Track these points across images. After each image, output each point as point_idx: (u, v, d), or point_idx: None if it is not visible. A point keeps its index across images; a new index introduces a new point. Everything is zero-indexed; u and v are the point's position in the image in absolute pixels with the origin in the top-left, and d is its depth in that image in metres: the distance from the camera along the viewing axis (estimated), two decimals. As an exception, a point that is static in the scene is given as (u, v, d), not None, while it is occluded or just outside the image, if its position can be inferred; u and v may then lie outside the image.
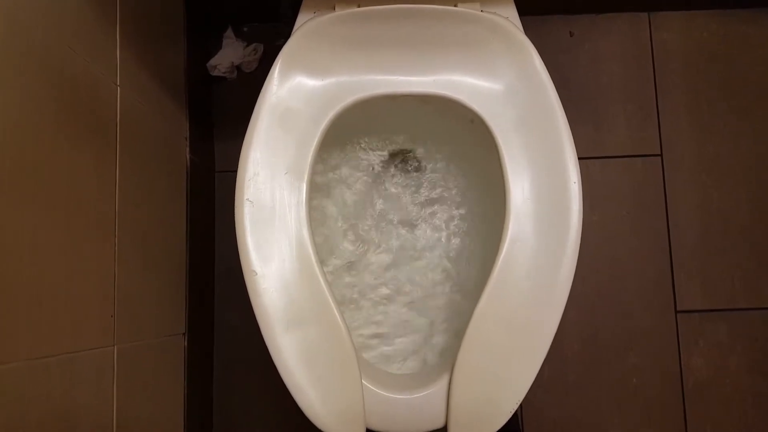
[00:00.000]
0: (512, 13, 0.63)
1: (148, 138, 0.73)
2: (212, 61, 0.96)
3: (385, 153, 0.78)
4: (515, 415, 0.58)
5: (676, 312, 0.96)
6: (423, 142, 0.77)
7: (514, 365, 0.57)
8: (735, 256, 0.96)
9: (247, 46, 0.97)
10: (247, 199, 0.58)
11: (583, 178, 0.59)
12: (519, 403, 0.57)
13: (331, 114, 0.60)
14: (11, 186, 0.47)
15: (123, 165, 0.65)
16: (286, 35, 0.64)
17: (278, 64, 0.61)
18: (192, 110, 0.87)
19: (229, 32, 0.97)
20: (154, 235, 0.73)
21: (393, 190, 0.79)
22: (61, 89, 0.55)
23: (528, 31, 0.63)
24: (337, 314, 0.57)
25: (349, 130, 0.69)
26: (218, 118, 0.99)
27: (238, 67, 0.98)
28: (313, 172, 0.60)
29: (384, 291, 0.75)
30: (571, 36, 1.01)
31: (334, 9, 0.63)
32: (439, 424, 0.57)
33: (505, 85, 0.60)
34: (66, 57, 0.55)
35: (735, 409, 0.94)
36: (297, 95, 0.60)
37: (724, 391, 0.94)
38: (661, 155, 0.99)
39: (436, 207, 0.77)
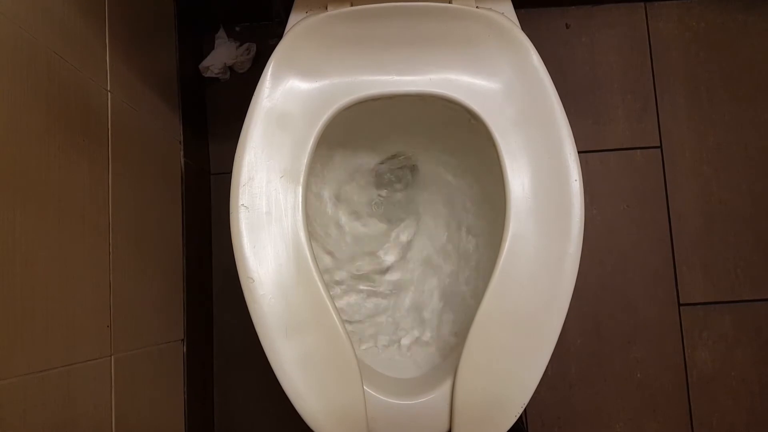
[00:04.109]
0: (508, 8, 0.62)
1: (141, 143, 0.71)
2: (205, 62, 0.94)
3: (382, 153, 0.77)
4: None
5: (679, 305, 0.95)
6: (420, 141, 0.76)
7: (519, 365, 0.56)
8: (737, 248, 0.96)
9: (240, 46, 0.96)
10: (242, 205, 0.57)
11: (582, 172, 0.58)
12: (524, 406, 0.56)
13: (325, 116, 0.59)
14: (0, 196, 0.46)
15: (116, 171, 0.64)
16: (279, 34, 0.63)
17: (270, 66, 0.60)
18: (185, 113, 0.86)
19: (221, 33, 0.96)
20: (149, 241, 0.72)
21: (390, 190, 0.78)
22: (50, 97, 0.53)
23: (524, 24, 0.62)
24: (336, 319, 0.56)
25: (343, 131, 0.68)
26: (212, 119, 0.98)
27: (231, 68, 0.97)
28: (309, 175, 0.59)
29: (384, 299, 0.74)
30: (567, 28, 1.00)
31: (327, 8, 0.62)
32: (443, 429, 0.56)
33: (503, 83, 0.59)
34: (54, 64, 0.54)
35: (741, 402, 0.93)
36: (290, 97, 0.59)
37: (729, 383, 0.94)
38: (660, 147, 0.98)
39: (434, 208, 0.76)
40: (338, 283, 0.73)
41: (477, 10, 0.61)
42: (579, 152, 0.58)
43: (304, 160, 0.59)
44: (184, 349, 0.81)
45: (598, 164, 0.97)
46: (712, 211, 0.96)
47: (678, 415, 0.94)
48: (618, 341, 0.95)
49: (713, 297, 0.95)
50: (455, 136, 0.71)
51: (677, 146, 0.97)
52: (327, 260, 0.74)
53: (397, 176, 0.78)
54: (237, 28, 0.98)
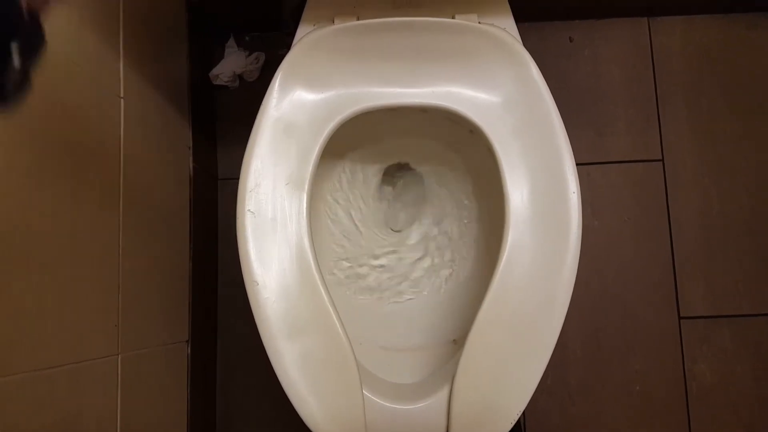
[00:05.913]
0: (510, 23, 0.64)
1: (151, 147, 0.73)
2: (214, 71, 0.96)
3: (384, 164, 0.78)
4: (518, 422, 0.58)
5: (680, 318, 0.95)
6: (423, 151, 0.77)
7: (516, 373, 0.57)
8: (738, 261, 0.96)
9: (249, 55, 0.98)
10: (249, 210, 0.59)
11: (584, 184, 0.59)
12: (521, 412, 0.57)
13: (330, 126, 0.61)
14: (14, 191, 0.48)
15: (126, 174, 0.66)
16: (288, 44, 0.64)
17: (278, 77, 0.61)
18: (195, 119, 0.88)
19: (231, 42, 0.98)
20: (157, 243, 0.74)
21: (393, 198, 0.79)
22: (65, 101, 0.55)
23: (528, 37, 0.64)
24: (337, 324, 0.57)
25: (347, 142, 0.70)
26: (221, 126, 1.00)
27: (240, 76, 0.99)
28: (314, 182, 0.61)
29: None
30: (570, 41, 1.01)
31: (334, 22, 0.63)
32: (441, 434, 0.57)
33: (503, 96, 0.61)
34: (69, 69, 0.56)
35: (740, 416, 0.94)
36: (297, 107, 0.61)
37: (729, 397, 0.94)
38: (662, 160, 0.98)
39: (436, 218, 0.78)
40: (338, 282, 0.75)
41: (479, 25, 0.62)
42: (581, 164, 0.60)
43: (309, 168, 0.60)
44: (189, 350, 0.82)
45: (600, 176, 0.98)
46: (713, 224, 0.97)
47: (677, 427, 0.94)
48: (618, 352, 0.95)
49: (713, 310, 0.95)
50: (457, 147, 0.72)
51: (679, 159, 0.98)
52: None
53: (400, 184, 0.80)
54: (247, 38, 1.00)
